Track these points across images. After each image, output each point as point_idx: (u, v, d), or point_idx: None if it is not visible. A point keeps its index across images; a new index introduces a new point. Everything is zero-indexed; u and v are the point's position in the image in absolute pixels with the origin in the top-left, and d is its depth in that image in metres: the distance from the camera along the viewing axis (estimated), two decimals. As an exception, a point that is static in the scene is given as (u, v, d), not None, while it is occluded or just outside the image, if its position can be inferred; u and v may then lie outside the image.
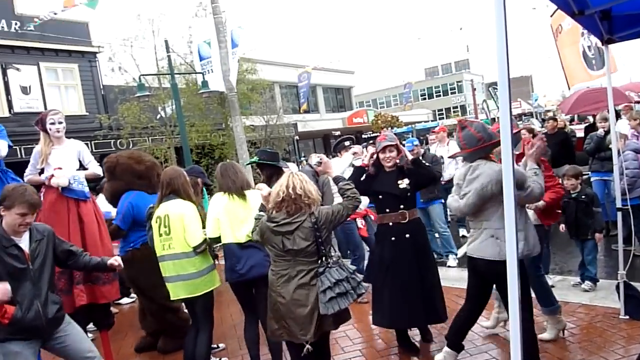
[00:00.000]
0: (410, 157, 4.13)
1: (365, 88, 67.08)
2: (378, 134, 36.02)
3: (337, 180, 3.34)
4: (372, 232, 5.59)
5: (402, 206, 4.01)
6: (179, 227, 3.79)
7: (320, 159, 3.52)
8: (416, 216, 4.09)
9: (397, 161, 4.13)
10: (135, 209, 4.40)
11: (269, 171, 4.64)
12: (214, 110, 18.57)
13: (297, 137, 27.11)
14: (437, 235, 6.62)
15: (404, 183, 4.03)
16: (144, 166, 4.53)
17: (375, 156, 4.16)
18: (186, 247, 3.80)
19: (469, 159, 3.28)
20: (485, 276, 3.32)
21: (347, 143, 5.71)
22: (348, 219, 3.34)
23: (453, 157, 3.71)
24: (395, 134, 35.63)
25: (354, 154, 3.56)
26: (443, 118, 56.55)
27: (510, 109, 1.73)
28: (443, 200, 6.71)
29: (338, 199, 5.09)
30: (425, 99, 63.35)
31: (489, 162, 3.22)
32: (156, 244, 3.90)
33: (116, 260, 3.49)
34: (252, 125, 20.11)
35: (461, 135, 3.28)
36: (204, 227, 3.89)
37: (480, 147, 3.22)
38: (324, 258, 3.02)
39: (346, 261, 4.85)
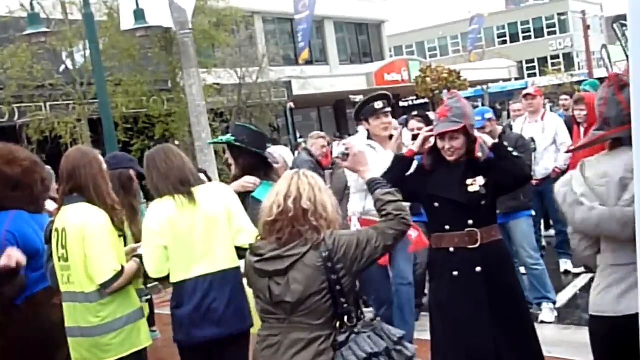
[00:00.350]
0: (489, 142, 4.14)
1: (406, 25, 66.91)
2: (426, 99, 36.30)
3: (373, 185, 3.30)
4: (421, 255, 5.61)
5: (471, 221, 4.04)
6: (78, 250, 3.80)
7: (348, 148, 3.47)
8: (495, 238, 4.14)
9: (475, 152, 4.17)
10: (20, 238, 4.15)
11: (247, 161, 4.66)
12: (154, 59, 18.68)
13: (291, 105, 27.24)
14: (522, 269, 6.63)
15: (476, 184, 4.07)
16: (20, 169, 4.24)
17: (430, 141, 4.21)
18: (87, 283, 3.81)
19: (628, 143, 3.10)
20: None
21: (378, 105, 5.56)
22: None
23: (587, 144, 3.53)
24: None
25: (345, 151, 3.45)
26: (535, 74, 56.64)
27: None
28: (534, 212, 6.72)
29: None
30: (505, 42, 63.34)
31: None
32: (58, 275, 3.93)
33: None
34: (218, 84, 20.31)
35: (623, 99, 3.08)
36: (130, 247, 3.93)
37: None
38: (345, 318, 3.01)
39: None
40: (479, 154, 4.14)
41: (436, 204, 4.08)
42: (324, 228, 3.02)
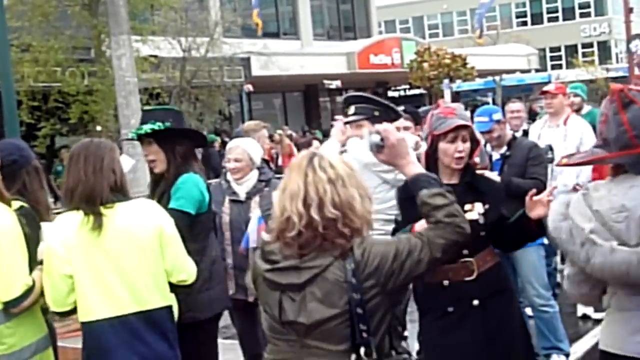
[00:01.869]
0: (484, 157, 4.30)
1: (401, -8, 67.28)
2: (423, 90, 36.41)
3: (418, 184, 3.32)
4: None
5: (465, 251, 4.18)
6: None
7: (383, 138, 3.43)
8: (490, 263, 4.33)
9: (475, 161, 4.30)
10: None
11: (186, 147, 4.78)
12: (74, 20, 18.55)
13: (248, 88, 27.22)
14: (529, 311, 6.73)
15: (474, 211, 4.22)
16: None
17: (429, 143, 4.34)
18: None
19: (636, 167, 3.32)
20: None
21: (349, 110, 5.70)
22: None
23: (580, 164, 3.73)
24: (458, 92, 35.93)
25: (380, 141, 3.50)
26: (560, 66, 57.23)
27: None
28: (546, 240, 6.81)
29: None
30: (525, 24, 64.00)
31: None
32: None
33: None
34: (156, 56, 20.29)
35: (626, 120, 3.29)
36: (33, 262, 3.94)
37: None
38: (362, 350, 3.00)
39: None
40: (477, 159, 4.26)
41: None
42: (356, 232, 3.02)
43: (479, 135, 4.39)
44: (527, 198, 4.16)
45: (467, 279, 4.21)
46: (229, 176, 5.93)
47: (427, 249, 3.07)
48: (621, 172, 3.32)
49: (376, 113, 5.67)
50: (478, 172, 4.32)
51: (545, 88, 8.40)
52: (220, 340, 5.35)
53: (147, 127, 4.74)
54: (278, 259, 3.05)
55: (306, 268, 3.00)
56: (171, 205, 4.62)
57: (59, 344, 4.62)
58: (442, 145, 4.24)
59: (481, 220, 4.19)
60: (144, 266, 3.84)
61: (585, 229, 3.23)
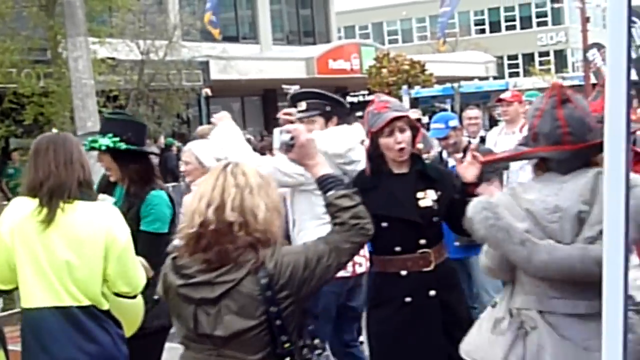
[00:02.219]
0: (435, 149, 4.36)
1: (361, 0, 67.53)
2: (383, 95, 36.66)
3: (326, 184, 3.29)
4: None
5: (423, 241, 4.31)
6: None
7: (293, 137, 3.40)
8: (444, 256, 4.44)
9: (418, 149, 4.41)
10: None
11: (139, 165, 4.75)
12: (30, 21, 18.37)
13: (207, 92, 27.14)
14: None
15: (427, 197, 4.32)
16: None
17: (370, 141, 4.43)
18: None
19: (562, 165, 3.41)
20: None
21: (300, 106, 5.71)
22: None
23: (505, 159, 3.81)
24: (417, 98, 35.88)
25: (290, 140, 3.47)
26: (518, 74, 57.78)
27: (629, 64, 1.83)
28: None
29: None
30: (483, 32, 64.59)
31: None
32: None
33: None
34: (114, 58, 20.21)
35: (562, 115, 3.39)
36: None
37: (594, 144, 3.31)
38: (287, 357, 3.05)
39: None
40: (420, 146, 4.32)
41: (384, 224, 4.18)
42: (259, 245, 3.02)
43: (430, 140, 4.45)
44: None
45: (425, 269, 4.28)
46: (187, 178, 5.96)
47: (335, 254, 3.07)
48: (545, 170, 3.41)
49: (328, 108, 5.68)
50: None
51: (502, 96, 8.54)
52: (170, 345, 5.32)
53: (103, 142, 4.69)
54: (192, 274, 3.04)
55: (219, 283, 3.00)
56: (146, 228, 4.64)
57: (10, 347, 4.56)
58: (382, 140, 4.32)
59: (435, 207, 4.29)
60: (84, 268, 3.79)
61: (519, 228, 3.29)
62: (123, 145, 4.66)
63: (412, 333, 4.27)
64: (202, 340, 3.07)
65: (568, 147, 3.35)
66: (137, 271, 3.98)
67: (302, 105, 5.68)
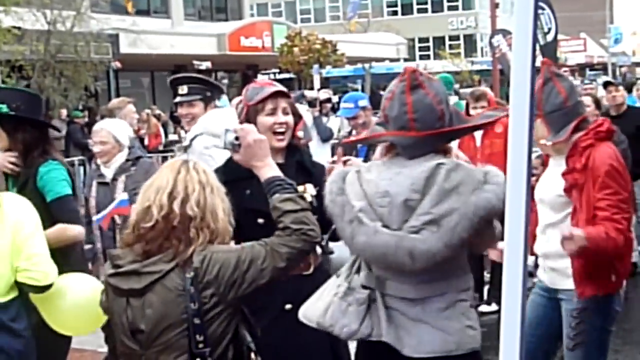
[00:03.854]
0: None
1: (274, -24, 67.27)
2: (292, 75, 36.60)
3: (271, 187, 3.22)
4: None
5: None
6: None
7: (239, 137, 3.27)
8: (321, 259, 4.24)
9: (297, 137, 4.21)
10: None
11: (29, 135, 4.65)
12: None
13: (116, 65, 26.70)
14: None
15: (307, 192, 4.01)
16: None
17: (244, 117, 4.09)
18: None
19: (407, 151, 3.40)
20: None
21: (182, 90, 5.69)
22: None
23: (360, 141, 3.81)
24: (328, 78, 36.04)
25: (235, 140, 3.39)
26: (428, 57, 58.47)
27: (534, 53, 1.85)
28: None
29: None
30: (395, 13, 65.07)
31: (460, 161, 3.41)
32: None
33: None
34: (19, 28, 19.76)
35: (410, 101, 3.36)
36: None
37: (439, 132, 3.38)
38: (198, 358, 2.96)
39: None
40: (300, 133, 4.20)
41: (260, 221, 3.90)
42: (198, 240, 2.97)
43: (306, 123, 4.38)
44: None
45: (305, 273, 4.02)
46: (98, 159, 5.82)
47: (271, 258, 3.01)
48: (394, 153, 3.42)
49: (208, 93, 5.66)
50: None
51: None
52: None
53: None
54: (122, 264, 3.01)
55: (146, 273, 2.96)
56: (50, 198, 4.56)
57: None
58: (261, 118, 3.98)
59: (315, 203, 3.89)
60: None
61: (356, 206, 3.34)
62: (5, 109, 4.55)
63: (294, 344, 3.99)
64: (130, 340, 3.02)
65: (414, 133, 3.34)
66: (49, 258, 3.90)
67: (184, 89, 5.66)
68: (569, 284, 4.17)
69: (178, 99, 5.70)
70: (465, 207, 3.18)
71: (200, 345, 2.95)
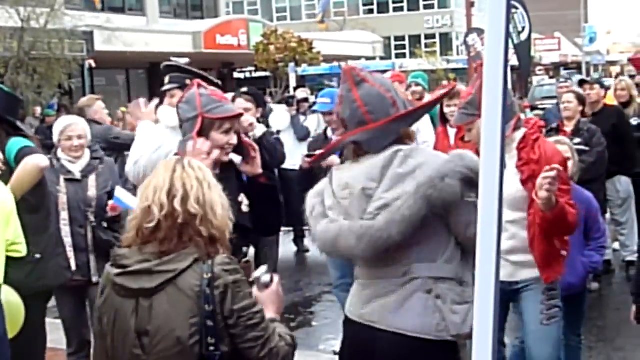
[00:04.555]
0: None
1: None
2: (267, 73, 36.61)
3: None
4: None
5: (246, 249, 4.32)
6: None
7: (272, 279, 3.29)
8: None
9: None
10: None
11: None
12: None
13: (91, 63, 26.58)
14: None
15: (244, 203, 4.15)
16: None
17: (200, 126, 4.08)
18: None
19: (372, 144, 3.44)
20: None
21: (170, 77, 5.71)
22: None
23: (325, 154, 3.90)
24: (304, 76, 35.98)
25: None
26: (404, 55, 58.70)
27: (507, 52, 1.86)
28: None
29: None
30: (371, 12, 65.18)
31: (416, 148, 3.47)
32: None
33: None
34: (-8, 25, 19.43)
35: (359, 96, 3.42)
36: None
37: (398, 117, 3.43)
38: None
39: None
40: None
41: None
42: (214, 241, 2.99)
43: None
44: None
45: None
46: (60, 154, 5.74)
47: (272, 335, 3.11)
48: (362, 154, 3.46)
49: (187, 82, 5.63)
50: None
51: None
52: (49, 320, 5.26)
53: None
54: (129, 264, 2.97)
55: (159, 272, 2.93)
56: (14, 156, 4.62)
57: None
58: (216, 135, 4.01)
59: (247, 210, 4.16)
60: None
61: (326, 204, 3.47)
62: None
63: None
64: (134, 347, 2.97)
65: (372, 125, 3.39)
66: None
67: (166, 79, 5.69)
68: (531, 273, 4.50)
69: (163, 88, 5.75)
70: (416, 183, 3.25)
71: (212, 348, 2.93)
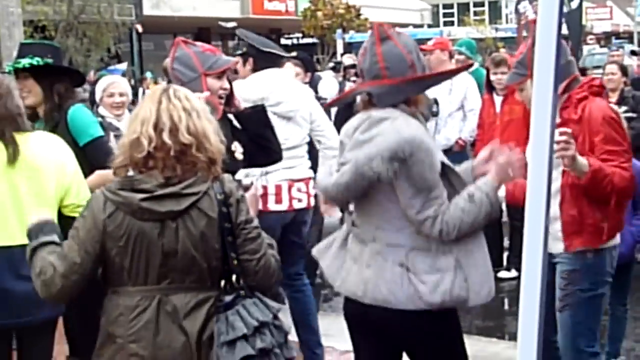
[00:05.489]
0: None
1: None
2: (314, 39, 36.39)
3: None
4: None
5: None
6: None
7: (251, 182, 3.56)
8: None
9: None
10: None
11: (63, 86, 4.68)
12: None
13: (138, 28, 26.67)
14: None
15: (237, 151, 4.28)
16: None
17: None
18: None
19: (381, 99, 3.53)
20: (383, 340, 3.61)
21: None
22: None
23: (340, 99, 3.95)
24: (351, 43, 35.70)
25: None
26: (452, 23, 58.13)
27: (560, 20, 1.83)
28: None
29: None
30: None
31: (404, 117, 3.48)
32: None
33: None
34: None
35: (380, 51, 3.52)
36: None
37: (412, 79, 3.52)
38: (234, 277, 3.12)
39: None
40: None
41: None
42: (212, 163, 3.07)
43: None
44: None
45: None
46: (104, 111, 5.81)
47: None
48: (371, 105, 3.57)
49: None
50: None
51: (429, 45, 8.51)
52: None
53: (25, 62, 4.60)
54: (151, 188, 3.01)
55: (187, 195, 3.02)
56: (82, 142, 4.59)
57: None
58: (210, 81, 4.23)
59: (242, 164, 4.30)
60: (42, 200, 3.79)
61: (341, 159, 3.59)
62: (48, 61, 4.60)
63: None
64: (154, 266, 3.05)
65: (387, 81, 3.49)
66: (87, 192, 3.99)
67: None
68: (561, 247, 4.21)
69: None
70: (363, 153, 3.42)
71: (235, 262, 3.09)
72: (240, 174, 3.66)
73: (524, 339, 1.88)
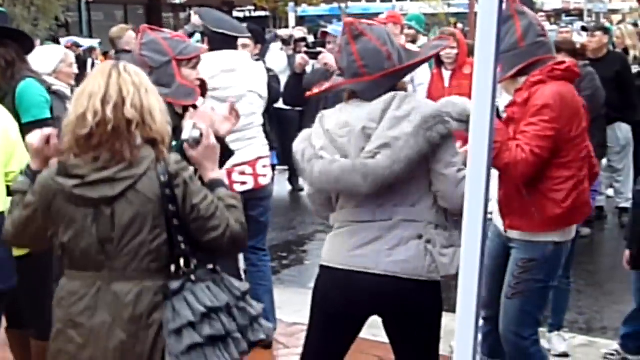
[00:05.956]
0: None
1: None
2: (267, 12, 36.17)
3: (217, 184, 3.29)
4: None
5: None
6: None
7: (202, 134, 3.26)
8: None
9: None
10: None
11: (4, 53, 4.64)
12: None
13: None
14: None
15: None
16: None
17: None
18: None
19: (365, 94, 3.60)
20: (369, 310, 3.71)
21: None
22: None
23: (323, 91, 3.97)
24: (303, 17, 35.83)
25: (198, 136, 3.44)
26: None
27: None
28: None
29: None
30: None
31: (413, 94, 3.58)
32: None
33: None
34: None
35: (355, 50, 3.59)
36: None
37: (391, 72, 3.61)
38: (181, 261, 3.06)
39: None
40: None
41: None
42: (158, 143, 3.02)
43: None
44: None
45: None
46: (54, 80, 5.80)
47: (217, 208, 3.15)
48: (354, 97, 3.67)
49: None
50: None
51: (377, 18, 8.52)
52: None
53: None
54: (84, 173, 2.97)
55: (120, 179, 2.97)
56: (25, 120, 4.53)
57: None
58: (185, 71, 4.26)
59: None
60: None
61: (317, 146, 3.62)
62: None
63: None
64: (93, 252, 3.02)
65: (367, 78, 3.58)
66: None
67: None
68: (517, 233, 4.22)
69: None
70: (409, 129, 3.43)
71: (183, 246, 3.04)
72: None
73: (462, 313, 1.93)
